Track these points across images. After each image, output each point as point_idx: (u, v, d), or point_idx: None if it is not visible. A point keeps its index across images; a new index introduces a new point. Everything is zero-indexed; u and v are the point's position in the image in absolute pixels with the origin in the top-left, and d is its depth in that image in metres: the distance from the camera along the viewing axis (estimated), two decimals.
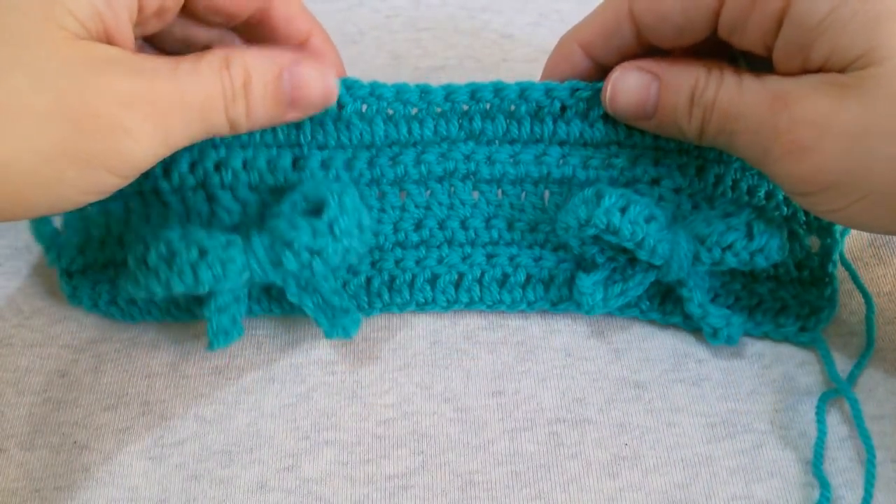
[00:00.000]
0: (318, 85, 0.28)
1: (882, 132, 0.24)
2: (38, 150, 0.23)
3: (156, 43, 0.31)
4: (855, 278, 0.33)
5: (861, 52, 0.24)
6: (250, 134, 0.29)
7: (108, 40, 0.25)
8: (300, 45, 0.31)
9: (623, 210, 0.28)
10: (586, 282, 0.31)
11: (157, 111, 0.24)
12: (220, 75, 0.26)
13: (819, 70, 0.25)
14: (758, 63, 0.28)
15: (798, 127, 0.25)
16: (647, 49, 0.29)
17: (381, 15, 0.45)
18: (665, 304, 0.32)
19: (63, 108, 0.23)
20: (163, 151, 0.25)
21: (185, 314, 0.32)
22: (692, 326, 0.32)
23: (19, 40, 0.23)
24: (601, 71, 0.30)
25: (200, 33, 0.30)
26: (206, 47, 0.30)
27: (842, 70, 0.24)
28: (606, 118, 0.30)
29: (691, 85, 0.27)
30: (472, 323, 0.33)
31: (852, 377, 0.31)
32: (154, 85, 0.25)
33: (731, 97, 0.27)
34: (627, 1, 0.28)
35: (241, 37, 0.31)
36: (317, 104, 0.28)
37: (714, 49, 0.28)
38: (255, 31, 0.30)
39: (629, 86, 0.28)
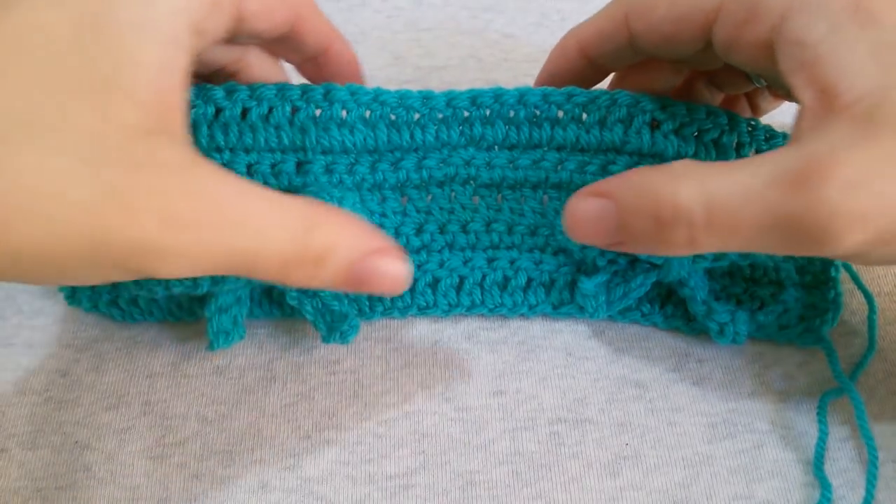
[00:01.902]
0: (389, 281, 0.24)
1: None
2: (61, 241, 0.20)
3: None
4: (855, 278, 0.33)
5: (869, 89, 0.22)
6: (254, 138, 0.29)
7: (172, 111, 0.22)
8: (322, 53, 0.30)
9: None
10: (588, 284, 0.31)
11: (201, 246, 0.21)
12: (297, 240, 0.23)
13: (825, 92, 0.23)
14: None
15: (849, 199, 0.21)
16: (643, 56, 0.29)
17: (382, 15, 0.45)
18: (666, 308, 0.32)
19: (101, 207, 0.20)
20: (193, 276, 0.23)
21: (186, 314, 0.32)
22: (694, 330, 0.32)
23: (74, 127, 0.20)
24: (599, 71, 0.31)
25: (226, 53, 0.29)
26: (228, 61, 0.30)
27: (851, 105, 0.22)
28: (603, 124, 0.30)
29: (651, 206, 0.23)
30: (472, 322, 0.33)
31: (853, 377, 0.31)
32: (207, 216, 0.21)
33: (732, 200, 0.22)
34: (624, 8, 0.28)
35: (265, 49, 0.31)
36: (377, 293, 0.25)
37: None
38: (279, 44, 0.30)
39: (586, 214, 0.25)
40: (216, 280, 0.27)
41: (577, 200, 0.25)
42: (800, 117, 0.23)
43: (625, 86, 0.31)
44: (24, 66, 0.21)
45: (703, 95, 0.33)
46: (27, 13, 0.21)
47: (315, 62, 0.31)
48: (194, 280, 0.27)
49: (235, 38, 0.27)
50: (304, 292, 0.30)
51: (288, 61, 0.32)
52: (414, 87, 0.38)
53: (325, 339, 0.31)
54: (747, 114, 0.34)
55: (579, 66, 0.30)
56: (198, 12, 0.23)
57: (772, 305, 0.32)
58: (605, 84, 0.33)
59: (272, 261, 0.23)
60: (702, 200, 0.22)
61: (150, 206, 0.21)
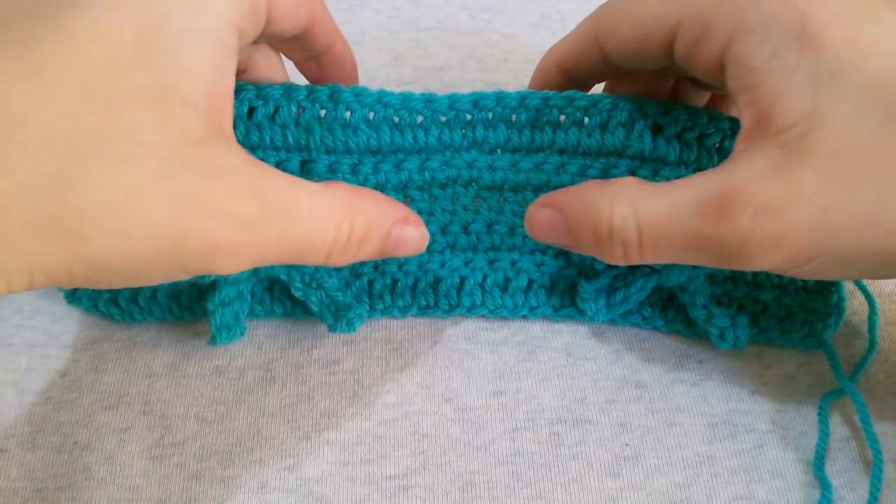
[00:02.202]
0: (413, 245, 0.27)
1: (837, 209, 0.23)
2: (138, 252, 0.21)
3: None
4: (856, 280, 0.33)
5: (803, 115, 0.23)
6: (260, 136, 0.29)
7: (223, 112, 0.24)
8: (326, 51, 0.31)
9: None
10: (588, 288, 0.31)
11: (256, 241, 0.23)
12: (339, 227, 0.25)
13: (763, 123, 0.24)
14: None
15: (760, 225, 0.23)
16: (619, 71, 0.30)
17: (381, 15, 0.45)
18: (667, 312, 0.32)
19: (175, 215, 0.21)
20: (244, 269, 0.24)
21: (186, 312, 0.32)
22: (695, 334, 0.32)
23: (136, 137, 0.21)
24: (581, 86, 0.32)
25: (243, 51, 0.29)
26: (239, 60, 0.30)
27: (785, 129, 0.23)
28: (604, 127, 0.30)
29: (591, 224, 0.25)
30: (472, 323, 0.33)
31: (853, 378, 0.31)
32: (264, 213, 0.23)
33: (660, 221, 0.24)
34: (593, 27, 0.29)
35: (274, 46, 0.31)
36: (402, 256, 0.28)
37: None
38: (288, 42, 0.30)
39: (542, 224, 0.27)
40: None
41: (534, 209, 0.28)
42: (738, 138, 0.25)
43: (618, 92, 0.32)
44: (88, 74, 0.21)
45: (689, 96, 0.33)
46: (91, 19, 0.21)
47: (318, 61, 0.31)
48: None
49: (261, 39, 0.28)
50: (309, 284, 0.30)
51: (290, 58, 0.32)
52: (413, 88, 0.39)
53: (332, 329, 0.31)
54: (734, 111, 0.34)
55: (562, 83, 0.31)
56: (242, 18, 0.24)
57: (774, 309, 0.31)
58: (599, 88, 0.33)
59: (321, 248, 0.25)
60: (634, 222, 0.25)
61: (218, 210, 0.22)
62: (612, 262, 0.26)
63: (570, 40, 0.30)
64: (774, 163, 0.23)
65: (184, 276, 0.23)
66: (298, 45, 0.30)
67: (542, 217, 0.27)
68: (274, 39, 0.29)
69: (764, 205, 0.23)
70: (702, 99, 0.33)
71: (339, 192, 0.25)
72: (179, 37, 0.22)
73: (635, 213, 0.25)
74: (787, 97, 0.23)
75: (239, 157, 0.23)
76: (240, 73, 0.31)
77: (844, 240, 0.23)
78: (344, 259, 0.26)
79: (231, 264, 0.23)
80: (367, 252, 0.26)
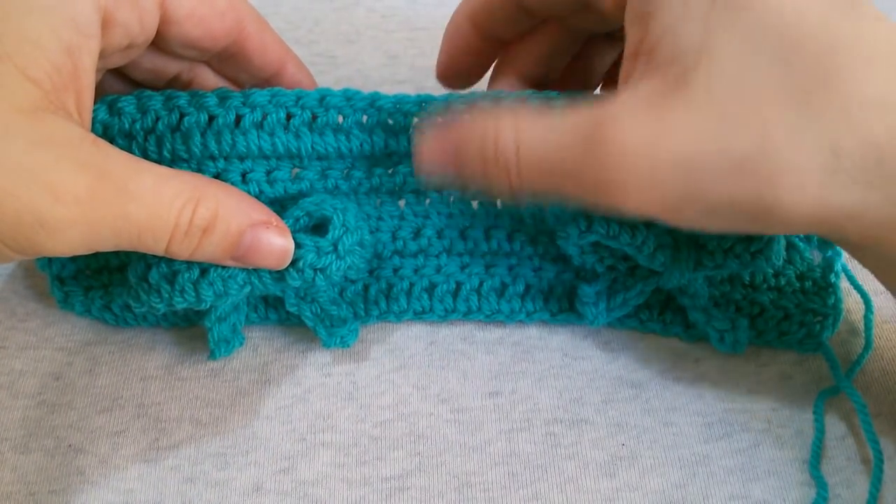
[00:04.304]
0: (274, 255, 0.26)
1: (707, 154, 0.22)
2: None
3: (123, 72, 0.30)
4: (851, 278, 0.33)
5: (691, 48, 0.22)
6: (248, 146, 0.28)
7: (67, 91, 0.23)
8: (274, 75, 0.30)
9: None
10: (588, 291, 0.31)
11: (88, 218, 0.22)
12: (182, 211, 0.24)
13: (649, 53, 0.23)
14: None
15: (627, 162, 0.22)
16: (532, 20, 0.29)
17: (377, 14, 0.45)
18: (665, 315, 0.32)
19: None
20: (80, 252, 0.23)
21: (181, 320, 0.32)
22: (693, 338, 0.32)
23: None
24: (494, 44, 0.31)
25: (171, 65, 0.30)
26: (175, 78, 0.30)
27: (670, 63, 0.22)
28: None
29: (478, 143, 0.24)
30: (468, 324, 0.33)
31: (849, 376, 0.31)
32: (98, 189, 0.22)
33: (538, 145, 0.23)
34: None
35: (213, 68, 0.31)
36: (261, 266, 0.27)
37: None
38: (227, 63, 0.30)
39: (430, 149, 0.26)
40: (218, 294, 0.27)
41: (423, 137, 0.27)
42: (623, 65, 0.24)
43: (526, 55, 0.31)
44: None
45: (594, 60, 0.33)
46: None
47: (268, 85, 0.30)
48: (197, 295, 0.27)
49: (170, 44, 0.27)
50: (303, 298, 0.30)
51: (237, 84, 0.32)
52: (408, 87, 0.38)
53: (325, 344, 0.31)
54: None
55: (474, 42, 0.30)
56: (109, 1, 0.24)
57: (771, 311, 0.31)
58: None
59: (161, 233, 0.24)
60: (514, 143, 0.24)
61: (40, 180, 0.21)
62: (499, 193, 0.25)
63: None
64: (652, 95, 0.22)
65: (12, 255, 0.22)
66: (237, 65, 0.30)
67: (430, 138, 0.26)
68: (196, 52, 0.28)
69: (633, 140, 0.22)
70: (605, 64, 0.33)
71: (187, 177, 0.24)
72: (27, 8, 0.22)
73: (518, 134, 0.24)
74: (676, 28, 0.22)
75: (76, 133, 0.22)
76: (187, 83, 0.31)
77: (710, 183, 0.22)
78: (185, 248, 0.24)
79: (60, 242, 0.22)
80: (213, 247, 0.25)
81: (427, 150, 0.26)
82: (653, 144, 0.22)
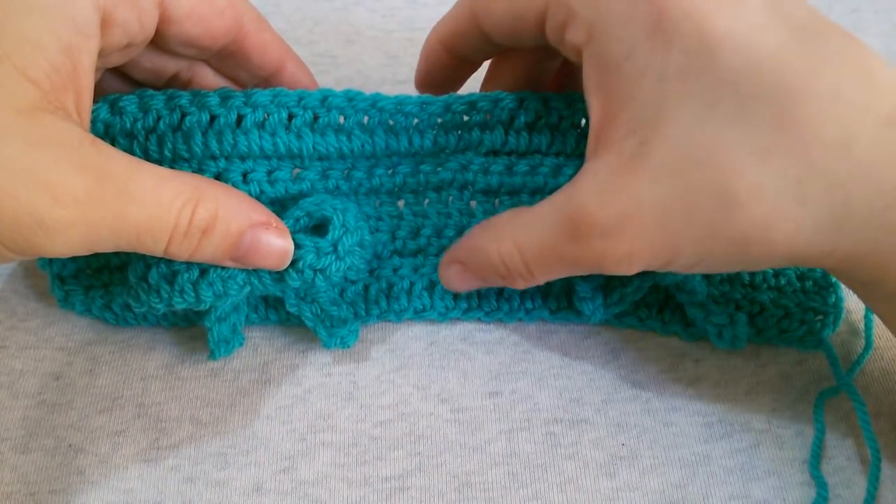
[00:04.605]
0: (273, 256, 0.26)
1: (677, 217, 0.23)
2: None
3: (122, 71, 0.30)
4: None
5: (646, 119, 0.23)
6: (249, 146, 0.28)
7: (67, 91, 0.23)
8: (274, 73, 0.30)
9: None
10: (585, 287, 0.31)
11: (87, 219, 0.22)
12: (181, 212, 0.24)
13: (609, 126, 0.24)
14: None
15: (611, 235, 0.24)
16: (499, 48, 0.30)
17: (377, 14, 0.45)
18: (664, 313, 0.32)
19: None
20: (79, 253, 0.23)
21: (181, 320, 0.32)
22: (693, 336, 0.32)
23: None
24: (466, 65, 0.31)
25: (170, 64, 0.30)
26: (174, 77, 0.30)
27: (629, 133, 0.23)
28: (555, 127, 0.30)
29: (489, 268, 0.27)
30: (468, 324, 0.33)
31: (849, 375, 0.31)
32: (97, 190, 0.22)
33: (537, 247, 0.26)
34: (470, 5, 0.29)
35: (213, 67, 0.31)
36: (260, 267, 0.27)
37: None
38: (227, 62, 0.30)
39: (455, 280, 0.29)
40: (218, 295, 0.27)
41: (444, 269, 0.30)
42: (588, 145, 0.25)
43: (517, 60, 0.31)
44: None
45: (577, 76, 0.33)
46: None
47: (267, 84, 0.30)
48: (196, 296, 0.27)
49: (170, 43, 0.27)
50: (303, 298, 0.30)
51: (237, 83, 0.32)
52: (409, 87, 0.38)
53: (326, 345, 0.31)
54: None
55: (447, 62, 0.31)
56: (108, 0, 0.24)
57: (772, 310, 0.31)
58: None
59: (160, 234, 0.24)
60: (518, 255, 0.26)
61: (39, 181, 0.21)
62: (523, 287, 0.28)
63: (451, 19, 0.30)
64: (612, 176, 0.24)
65: (10, 255, 0.22)
66: (236, 63, 0.30)
67: (453, 273, 0.29)
68: (196, 50, 0.28)
69: (605, 226, 0.24)
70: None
71: (186, 178, 0.24)
72: (26, 8, 0.22)
73: (517, 246, 0.26)
74: (632, 102, 0.23)
75: (75, 134, 0.22)
76: (186, 82, 0.31)
77: (688, 249, 0.23)
78: (184, 249, 0.24)
79: (59, 243, 0.22)
80: (214, 248, 0.25)
81: (453, 279, 0.29)
82: (625, 227, 0.24)
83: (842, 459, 0.29)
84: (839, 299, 0.31)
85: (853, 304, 0.33)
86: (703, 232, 0.23)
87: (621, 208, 0.23)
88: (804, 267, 0.26)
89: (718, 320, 0.30)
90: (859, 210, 0.22)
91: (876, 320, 0.32)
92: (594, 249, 0.24)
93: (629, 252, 0.24)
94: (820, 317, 0.31)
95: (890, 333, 0.32)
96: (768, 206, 0.22)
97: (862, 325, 0.32)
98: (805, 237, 0.23)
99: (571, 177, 0.30)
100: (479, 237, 0.28)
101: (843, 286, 0.32)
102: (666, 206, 0.23)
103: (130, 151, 0.28)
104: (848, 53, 0.23)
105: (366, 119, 0.29)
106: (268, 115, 0.28)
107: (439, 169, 0.30)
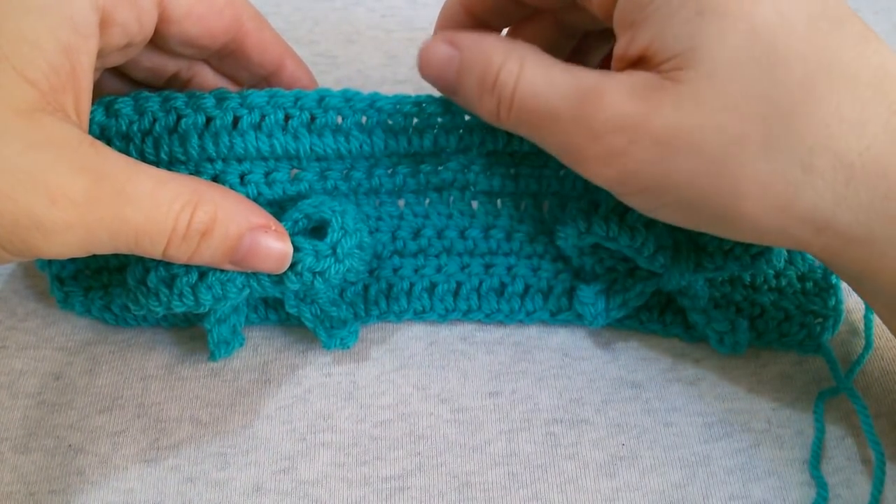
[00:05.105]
0: (272, 259, 0.26)
1: (685, 145, 0.23)
2: None
3: (121, 71, 0.30)
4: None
5: (680, 51, 0.23)
6: (246, 147, 0.28)
7: (65, 92, 0.23)
8: (274, 72, 0.30)
9: (622, 216, 0.28)
10: (588, 292, 0.30)
11: (85, 221, 0.22)
12: (180, 214, 0.24)
13: (640, 58, 0.24)
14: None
15: (610, 131, 0.23)
16: (525, 11, 0.29)
17: (377, 14, 0.45)
18: (665, 316, 0.32)
19: None
20: (77, 255, 0.23)
21: (180, 321, 0.32)
22: (693, 339, 0.32)
23: None
24: (485, 31, 0.30)
25: (169, 63, 0.30)
26: (174, 76, 0.30)
27: (660, 64, 0.23)
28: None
29: (481, 68, 0.25)
30: (468, 324, 0.33)
31: (849, 376, 0.31)
32: (95, 191, 0.22)
33: (535, 90, 0.24)
34: None
35: (212, 66, 0.31)
36: (259, 270, 0.26)
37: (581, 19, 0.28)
38: (226, 61, 0.30)
39: (436, 58, 0.27)
40: (217, 298, 0.27)
41: (434, 43, 0.27)
42: (613, 63, 0.25)
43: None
44: None
45: (591, 54, 0.33)
46: None
47: (267, 83, 0.30)
48: (195, 299, 0.27)
49: (169, 43, 0.27)
50: (303, 299, 0.30)
51: (237, 82, 0.32)
52: (409, 87, 0.38)
53: (326, 346, 0.30)
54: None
55: (466, 26, 0.30)
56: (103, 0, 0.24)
57: (772, 313, 0.31)
58: None
59: (159, 236, 0.23)
60: (515, 80, 0.24)
61: (38, 182, 0.21)
62: (483, 114, 0.26)
63: None
64: (643, 85, 0.23)
65: (8, 257, 0.22)
66: (236, 62, 0.30)
67: (440, 52, 0.27)
68: (195, 50, 0.28)
69: (619, 115, 0.23)
70: (598, 58, 0.33)
71: (185, 180, 0.24)
72: (25, 8, 0.22)
73: (522, 71, 0.25)
74: (665, 34, 0.23)
75: (74, 135, 0.22)
76: (185, 82, 0.30)
77: (680, 179, 0.23)
78: (183, 252, 0.24)
79: (57, 245, 0.22)
80: (212, 251, 0.25)
81: (434, 55, 0.27)
82: (640, 118, 0.23)
83: (842, 459, 0.29)
84: (839, 302, 0.31)
85: (853, 304, 0.33)
86: (702, 168, 0.23)
87: (641, 109, 0.23)
88: (794, 248, 0.26)
89: (720, 327, 0.30)
90: (860, 192, 0.22)
91: (876, 320, 0.32)
92: (592, 126, 0.23)
93: (621, 149, 0.23)
94: (819, 320, 0.31)
95: (890, 333, 0.32)
96: (774, 164, 0.22)
97: (862, 325, 0.32)
98: (800, 206, 0.23)
99: (574, 179, 0.30)
100: (492, 39, 0.26)
101: (843, 287, 0.32)
102: (678, 132, 0.23)
103: (127, 154, 0.28)
104: (870, 42, 0.23)
105: (364, 119, 0.29)
106: (264, 117, 0.28)
107: (440, 169, 0.30)
